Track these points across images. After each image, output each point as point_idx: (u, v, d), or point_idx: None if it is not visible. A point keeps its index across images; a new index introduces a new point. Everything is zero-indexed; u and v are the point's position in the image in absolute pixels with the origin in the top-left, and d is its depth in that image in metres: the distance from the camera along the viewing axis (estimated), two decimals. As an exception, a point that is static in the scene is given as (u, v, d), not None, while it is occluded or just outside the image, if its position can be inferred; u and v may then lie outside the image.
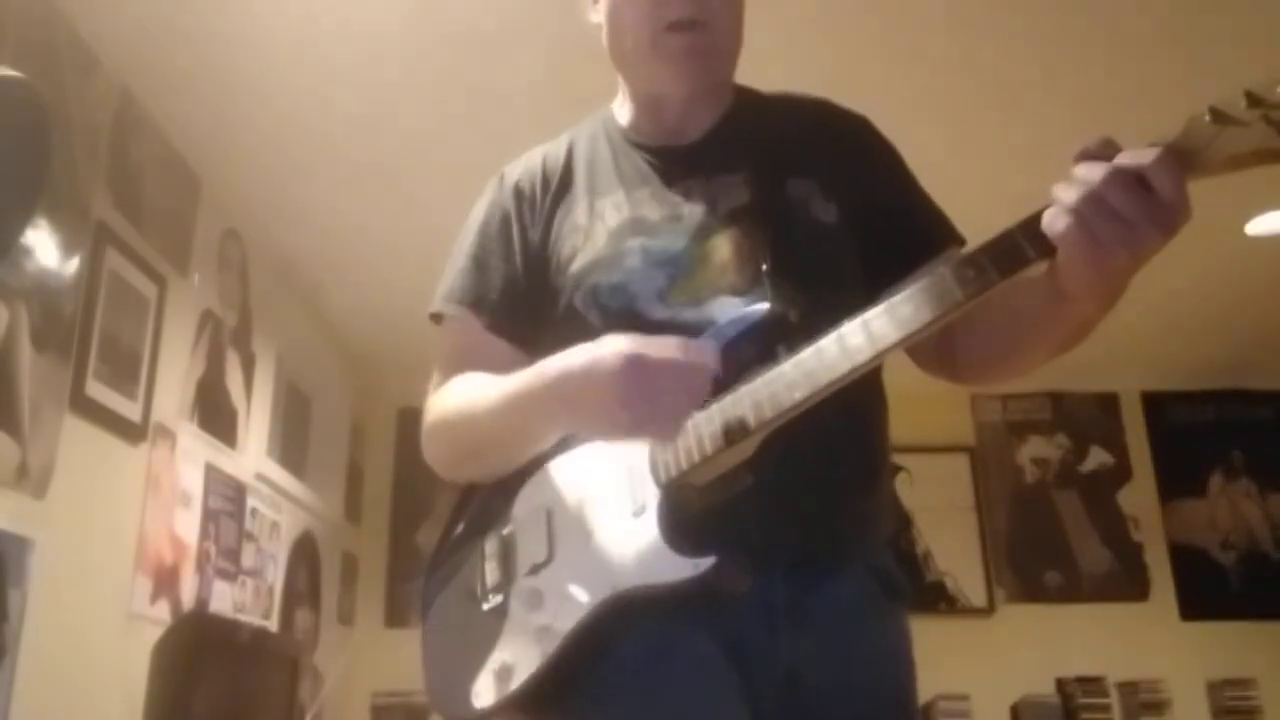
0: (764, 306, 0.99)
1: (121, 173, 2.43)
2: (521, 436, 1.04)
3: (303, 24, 2.31)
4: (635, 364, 0.90)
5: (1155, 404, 4.68)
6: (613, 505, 0.99)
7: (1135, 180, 0.77)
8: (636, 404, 0.90)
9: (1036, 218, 0.82)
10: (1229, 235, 3.34)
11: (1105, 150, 0.80)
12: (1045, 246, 0.82)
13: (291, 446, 3.83)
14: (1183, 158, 0.77)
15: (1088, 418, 4.68)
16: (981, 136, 2.80)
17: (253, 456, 3.18)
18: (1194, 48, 2.43)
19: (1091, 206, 0.78)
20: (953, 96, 2.64)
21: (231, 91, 2.53)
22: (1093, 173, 0.79)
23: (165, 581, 2.54)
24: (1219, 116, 0.75)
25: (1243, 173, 0.77)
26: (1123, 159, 0.78)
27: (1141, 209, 0.77)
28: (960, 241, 1.14)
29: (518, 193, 1.19)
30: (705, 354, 0.92)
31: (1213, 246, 3.30)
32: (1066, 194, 0.80)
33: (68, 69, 2.21)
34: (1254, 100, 0.73)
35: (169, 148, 2.68)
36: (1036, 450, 4.66)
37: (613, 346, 0.92)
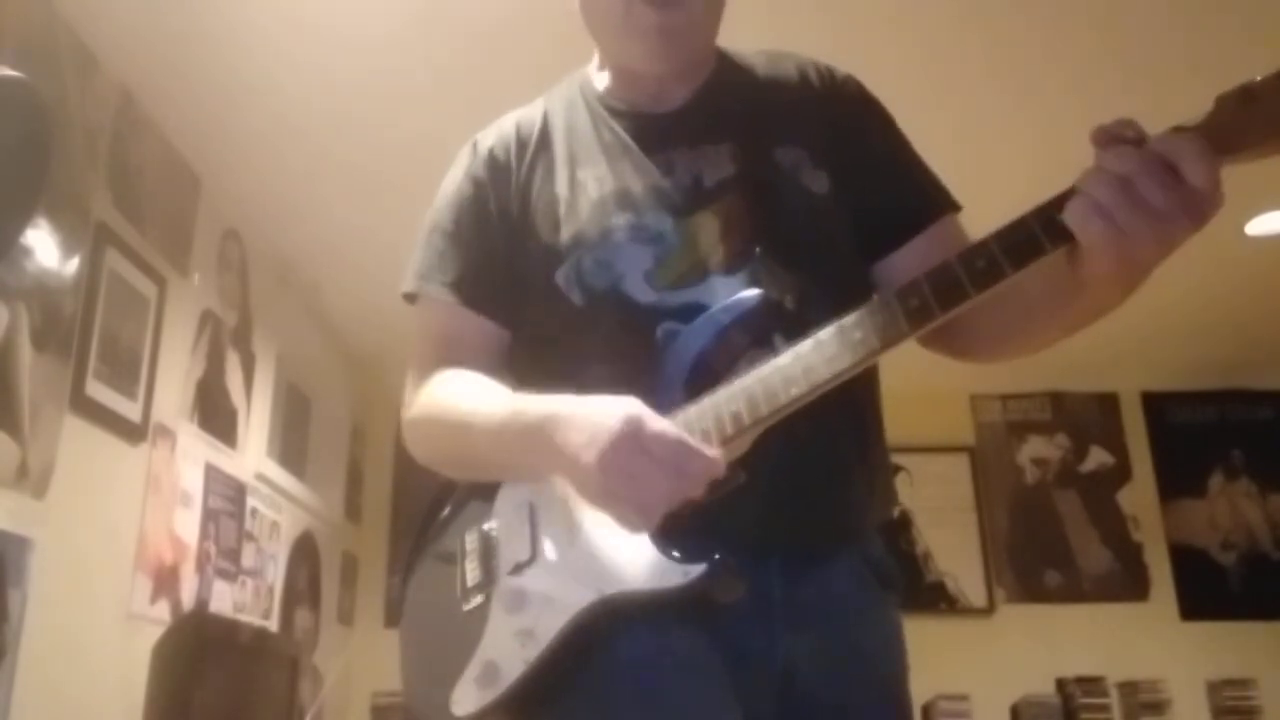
0: (757, 293, 0.94)
1: (121, 173, 2.43)
2: (513, 468, 0.99)
3: (303, 24, 2.31)
4: (633, 435, 0.82)
5: (1155, 404, 4.68)
6: None
7: (1168, 169, 0.72)
8: (614, 475, 0.82)
9: (1053, 205, 0.77)
10: (1229, 235, 3.33)
11: (1125, 131, 0.76)
12: (1062, 236, 0.77)
13: (291, 446, 3.82)
14: (1213, 142, 0.72)
15: (1088, 418, 4.68)
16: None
17: (253, 456, 3.18)
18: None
19: (1121, 198, 0.73)
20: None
21: (231, 92, 2.52)
22: (1122, 162, 0.74)
23: (165, 581, 2.54)
24: (1249, 96, 0.71)
25: (1242, 173, 0.74)
26: (1156, 146, 0.74)
27: (1174, 200, 0.72)
28: (956, 208, 1.10)
29: (492, 161, 1.13)
30: (709, 464, 0.83)
31: (1213, 246, 3.26)
32: (1093, 184, 0.75)
33: (68, 69, 2.20)
34: None
35: (169, 148, 2.68)
36: (1036, 450, 4.65)
37: (624, 408, 0.84)
